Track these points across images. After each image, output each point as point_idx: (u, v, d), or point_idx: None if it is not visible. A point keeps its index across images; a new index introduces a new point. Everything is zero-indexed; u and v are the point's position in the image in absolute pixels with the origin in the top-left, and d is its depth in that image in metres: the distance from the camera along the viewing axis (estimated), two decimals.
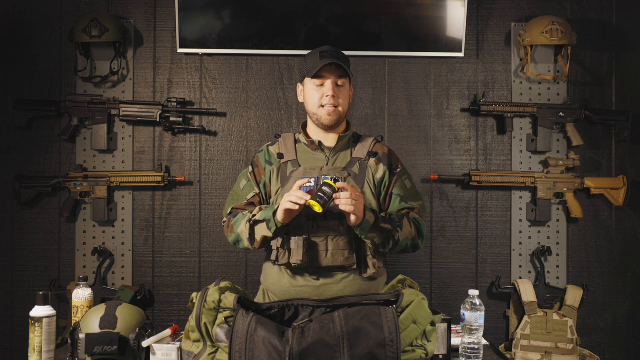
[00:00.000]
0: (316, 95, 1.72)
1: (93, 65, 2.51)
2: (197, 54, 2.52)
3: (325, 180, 1.51)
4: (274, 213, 1.57)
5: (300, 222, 1.63)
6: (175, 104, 2.48)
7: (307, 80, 1.74)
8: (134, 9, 2.54)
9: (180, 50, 2.47)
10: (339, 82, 1.72)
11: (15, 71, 2.50)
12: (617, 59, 2.62)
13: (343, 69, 1.70)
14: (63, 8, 2.52)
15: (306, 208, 1.56)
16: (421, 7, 2.48)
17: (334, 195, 1.50)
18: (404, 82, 2.59)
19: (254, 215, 1.64)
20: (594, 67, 2.61)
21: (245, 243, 1.67)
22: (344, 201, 1.50)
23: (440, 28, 2.50)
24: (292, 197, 1.52)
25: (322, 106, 1.71)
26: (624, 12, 2.61)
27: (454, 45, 2.50)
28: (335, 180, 1.52)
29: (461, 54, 2.52)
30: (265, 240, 1.65)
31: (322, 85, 1.71)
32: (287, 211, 1.54)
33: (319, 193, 1.49)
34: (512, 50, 2.59)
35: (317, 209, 1.49)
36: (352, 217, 1.53)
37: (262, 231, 1.62)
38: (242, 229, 1.65)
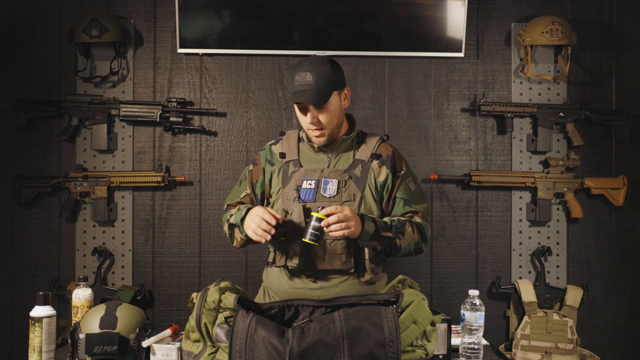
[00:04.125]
0: (302, 118, 1.68)
1: (93, 65, 2.51)
2: (197, 54, 2.52)
3: (313, 213, 1.52)
4: (242, 220, 1.59)
5: (297, 225, 1.62)
6: (175, 104, 2.48)
7: None
8: (134, 9, 2.54)
9: (180, 50, 2.47)
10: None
11: (15, 71, 2.50)
12: (617, 59, 2.62)
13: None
14: (63, 8, 2.52)
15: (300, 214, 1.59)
16: (421, 7, 2.48)
17: (322, 224, 1.50)
18: (404, 82, 2.59)
19: (231, 215, 1.66)
20: (594, 67, 2.61)
21: (231, 241, 1.71)
22: (334, 227, 1.49)
23: (440, 28, 2.49)
24: (258, 232, 1.52)
25: (309, 129, 1.68)
26: (624, 12, 2.61)
27: (454, 45, 2.50)
28: (319, 209, 1.52)
29: (461, 54, 2.51)
30: (246, 242, 1.66)
31: (303, 113, 1.66)
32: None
33: (311, 231, 1.50)
34: (512, 50, 2.59)
35: (313, 243, 1.52)
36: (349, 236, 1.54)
37: (238, 234, 1.66)
38: (225, 228, 1.70)
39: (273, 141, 1.82)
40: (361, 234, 1.54)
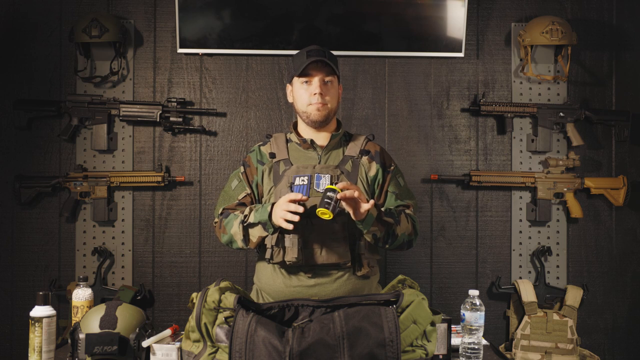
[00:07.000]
0: (304, 94, 1.72)
1: (93, 65, 2.51)
2: (197, 54, 2.52)
3: (327, 186, 1.51)
4: (269, 215, 1.57)
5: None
6: (175, 104, 2.48)
7: (295, 79, 1.75)
8: (134, 9, 2.54)
9: (180, 50, 2.47)
10: (326, 79, 1.72)
11: (15, 71, 2.50)
12: (617, 59, 2.62)
13: (330, 67, 1.71)
14: (63, 8, 2.52)
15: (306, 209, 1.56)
16: (421, 7, 2.48)
17: (338, 196, 1.48)
18: (404, 82, 2.59)
19: (246, 216, 1.64)
20: (594, 67, 2.61)
21: (240, 244, 1.68)
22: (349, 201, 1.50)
23: (440, 28, 2.49)
24: (287, 215, 1.50)
25: (311, 104, 1.71)
26: (624, 12, 2.61)
27: (454, 45, 2.50)
28: (334, 183, 1.52)
29: (461, 54, 2.52)
30: (262, 240, 1.66)
31: (309, 83, 1.72)
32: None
33: (325, 200, 1.47)
34: (512, 50, 2.59)
35: (327, 216, 1.48)
36: (357, 213, 1.53)
37: (258, 232, 1.63)
38: (235, 230, 1.66)
39: (261, 143, 1.85)
40: (365, 217, 1.55)
